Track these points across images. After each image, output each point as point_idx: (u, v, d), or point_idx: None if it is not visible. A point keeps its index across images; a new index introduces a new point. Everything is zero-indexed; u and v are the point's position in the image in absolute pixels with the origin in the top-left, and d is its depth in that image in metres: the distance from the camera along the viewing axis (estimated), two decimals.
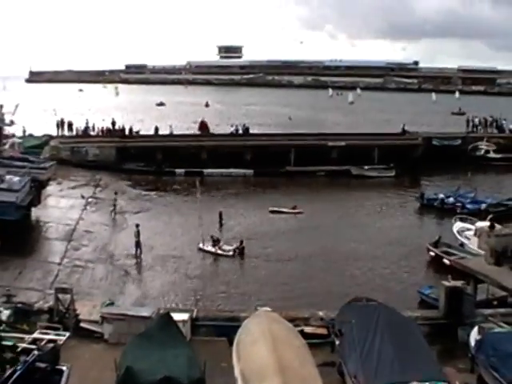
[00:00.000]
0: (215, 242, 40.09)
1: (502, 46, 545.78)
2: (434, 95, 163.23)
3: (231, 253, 39.12)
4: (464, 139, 76.23)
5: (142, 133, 79.94)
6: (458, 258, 35.37)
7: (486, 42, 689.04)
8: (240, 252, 39.28)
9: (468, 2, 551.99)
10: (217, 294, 33.04)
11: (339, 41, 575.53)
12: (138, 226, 39.76)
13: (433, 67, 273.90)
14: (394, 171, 66.52)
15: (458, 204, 51.70)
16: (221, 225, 44.76)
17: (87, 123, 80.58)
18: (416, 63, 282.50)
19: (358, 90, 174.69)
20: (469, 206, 51.15)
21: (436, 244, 39.08)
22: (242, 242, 39.72)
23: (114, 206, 48.39)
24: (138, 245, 38.82)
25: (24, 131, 69.44)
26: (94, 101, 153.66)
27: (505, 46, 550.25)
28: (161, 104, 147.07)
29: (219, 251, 39.34)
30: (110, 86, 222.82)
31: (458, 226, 42.38)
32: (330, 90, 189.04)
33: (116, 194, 50.25)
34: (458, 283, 26.05)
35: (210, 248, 39.70)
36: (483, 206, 50.69)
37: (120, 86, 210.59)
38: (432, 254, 38.29)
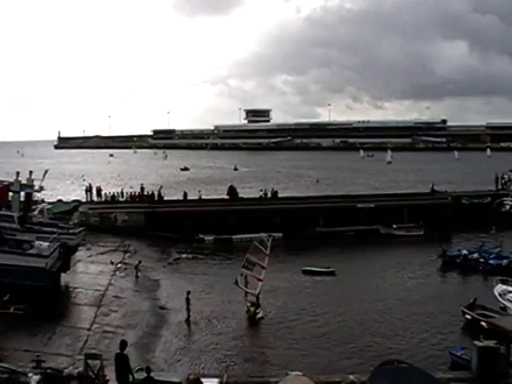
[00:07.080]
0: None
1: None
2: (456, 153, 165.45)
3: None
4: (494, 197, 76.22)
5: (170, 198, 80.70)
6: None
7: (510, 98, 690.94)
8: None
9: (487, 60, 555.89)
10: (247, 358, 32.74)
11: (363, 102, 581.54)
12: (189, 292, 39.75)
13: (460, 125, 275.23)
14: (422, 230, 66.48)
15: (481, 260, 51.47)
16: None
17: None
18: (444, 122, 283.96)
19: (389, 152, 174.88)
20: (492, 261, 50.93)
21: (471, 306, 37.67)
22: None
23: (137, 270, 48.81)
24: (187, 311, 38.84)
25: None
26: (123, 166, 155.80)
27: None
28: (185, 169, 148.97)
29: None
30: (141, 151, 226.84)
31: (499, 288, 40.51)
32: (362, 152, 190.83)
33: (140, 262, 50.49)
34: (491, 343, 25.52)
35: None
36: (505, 262, 50.38)
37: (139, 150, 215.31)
38: (468, 317, 36.79)
